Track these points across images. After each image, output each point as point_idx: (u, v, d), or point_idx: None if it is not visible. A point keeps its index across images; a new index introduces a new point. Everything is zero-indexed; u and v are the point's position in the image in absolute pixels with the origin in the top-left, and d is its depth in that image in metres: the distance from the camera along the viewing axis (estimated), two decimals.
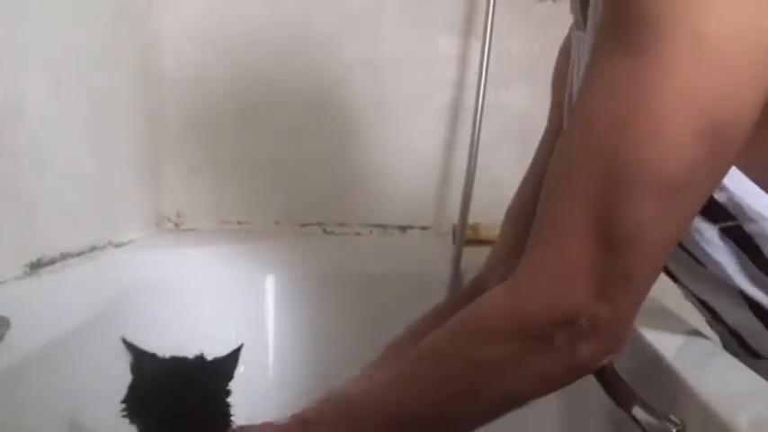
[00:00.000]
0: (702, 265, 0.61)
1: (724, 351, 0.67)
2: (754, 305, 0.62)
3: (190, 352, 0.75)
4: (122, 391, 0.76)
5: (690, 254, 0.61)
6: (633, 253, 0.48)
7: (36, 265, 0.95)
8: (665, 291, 0.91)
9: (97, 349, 0.91)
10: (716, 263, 0.60)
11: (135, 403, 0.70)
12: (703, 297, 0.67)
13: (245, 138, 1.41)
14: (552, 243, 0.51)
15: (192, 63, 1.39)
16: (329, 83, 1.40)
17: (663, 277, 0.90)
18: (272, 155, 1.42)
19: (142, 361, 0.73)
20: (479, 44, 1.36)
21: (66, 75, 1.03)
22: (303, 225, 1.43)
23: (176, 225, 1.43)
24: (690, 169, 0.47)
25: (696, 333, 0.72)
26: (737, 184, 0.55)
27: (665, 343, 0.67)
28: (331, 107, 1.41)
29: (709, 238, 0.59)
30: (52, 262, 0.99)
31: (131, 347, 0.73)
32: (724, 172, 0.51)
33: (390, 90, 1.40)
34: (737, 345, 0.68)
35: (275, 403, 0.67)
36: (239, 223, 1.43)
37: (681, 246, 0.61)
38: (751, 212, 0.56)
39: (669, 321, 0.77)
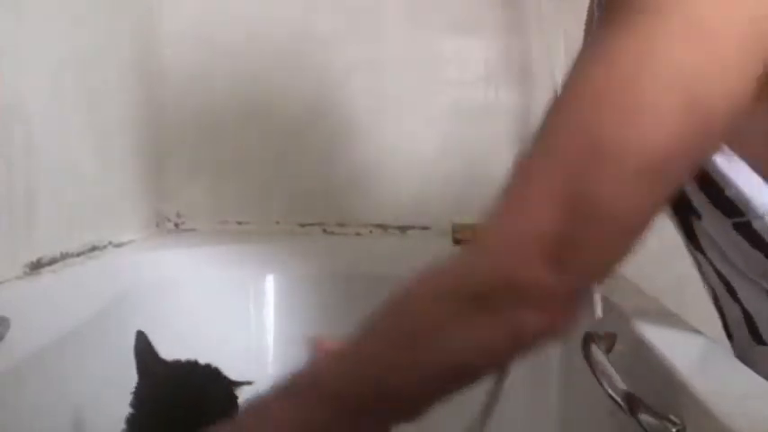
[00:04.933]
0: (724, 251, 0.62)
1: (724, 351, 0.67)
2: None
3: (189, 351, 0.75)
4: (121, 390, 0.76)
5: (717, 242, 0.61)
6: (601, 228, 0.48)
7: (36, 265, 0.95)
8: (665, 292, 0.91)
9: (97, 349, 0.91)
10: (732, 253, 0.60)
11: (143, 410, 0.69)
12: (722, 270, 0.66)
13: (245, 138, 1.41)
14: (519, 208, 0.50)
15: (192, 63, 1.39)
16: (329, 82, 1.40)
17: (664, 280, 0.91)
18: (272, 155, 1.42)
19: (149, 365, 0.72)
20: (479, 44, 1.36)
21: (67, 75, 1.03)
22: (303, 225, 1.43)
23: (176, 225, 1.43)
24: (669, 150, 0.47)
25: (696, 333, 0.72)
26: (745, 180, 0.55)
27: (665, 343, 0.67)
28: (331, 107, 1.41)
29: (725, 230, 0.59)
30: (52, 262, 0.99)
31: (142, 347, 0.72)
32: (703, 157, 0.50)
33: (391, 90, 1.40)
34: (747, 328, 0.67)
35: None
36: (239, 223, 1.43)
37: (711, 233, 0.61)
38: (757, 208, 0.56)
39: (669, 322, 0.77)
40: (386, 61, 1.40)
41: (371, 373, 0.54)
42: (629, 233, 0.49)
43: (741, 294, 0.66)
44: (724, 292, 0.68)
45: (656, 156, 0.46)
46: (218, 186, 1.43)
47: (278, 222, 1.44)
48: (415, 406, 0.54)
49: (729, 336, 0.72)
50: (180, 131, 1.40)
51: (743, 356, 0.69)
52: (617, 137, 0.47)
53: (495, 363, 0.52)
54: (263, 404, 0.58)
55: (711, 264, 0.67)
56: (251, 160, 1.42)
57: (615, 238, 0.49)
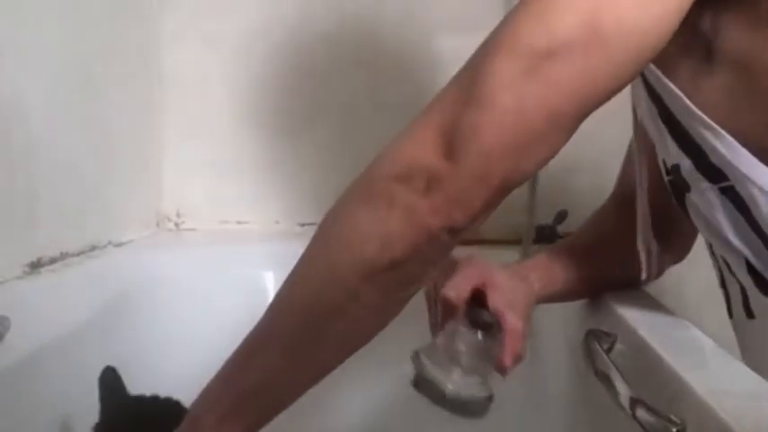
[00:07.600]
0: (710, 222, 0.63)
1: (724, 351, 0.67)
2: (748, 263, 0.63)
3: (188, 351, 0.75)
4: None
5: (703, 212, 0.64)
6: (484, 111, 0.50)
7: (36, 265, 0.95)
8: (665, 292, 0.92)
9: (97, 349, 0.91)
10: (717, 221, 0.62)
11: None
12: (720, 252, 0.68)
13: (245, 138, 1.41)
14: (429, 107, 0.54)
15: (192, 63, 1.39)
16: (329, 82, 1.40)
17: (664, 280, 0.91)
18: (272, 155, 1.41)
19: (113, 398, 0.71)
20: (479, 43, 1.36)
21: (67, 75, 1.03)
22: (303, 225, 1.43)
23: (176, 225, 1.43)
24: (557, 50, 0.49)
25: (696, 333, 0.72)
26: (730, 149, 0.57)
27: (666, 343, 0.67)
28: (331, 107, 1.41)
29: (710, 198, 0.61)
30: (52, 262, 0.99)
31: (109, 382, 0.71)
32: (600, 81, 0.51)
33: (391, 90, 1.40)
34: (742, 303, 0.69)
35: None
36: (239, 223, 1.43)
37: (699, 204, 0.63)
38: (740, 175, 0.58)
39: (669, 322, 0.77)
40: (386, 61, 1.40)
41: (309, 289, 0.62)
42: (512, 120, 0.50)
43: (736, 272, 0.67)
44: (727, 271, 0.70)
45: (542, 51, 0.49)
46: (218, 186, 1.43)
47: (278, 222, 1.44)
48: (344, 316, 0.58)
49: (731, 314, 0.72)
50: (180, 131, 1.40)
51: (740, 336, 0.71)
52: (514, 29, 0.51)
53: (398, 255, 0.53)
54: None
55: (712, 248, 0.69)
56: (251, 160, 1.42)
57: (499, 122, 0.50)
